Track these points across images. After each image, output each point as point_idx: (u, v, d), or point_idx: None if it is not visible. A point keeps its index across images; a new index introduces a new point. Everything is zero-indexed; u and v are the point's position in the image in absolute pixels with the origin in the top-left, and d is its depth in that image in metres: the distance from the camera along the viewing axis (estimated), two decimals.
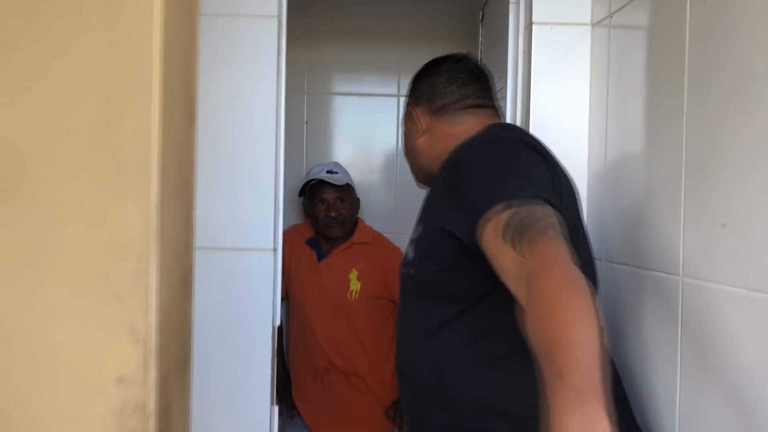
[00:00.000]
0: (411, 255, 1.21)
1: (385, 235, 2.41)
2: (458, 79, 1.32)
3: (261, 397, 1.49)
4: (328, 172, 2.34)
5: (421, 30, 2.54)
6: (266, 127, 1.48)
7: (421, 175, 1.39)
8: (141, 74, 0.76)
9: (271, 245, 1.52)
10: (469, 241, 1.00)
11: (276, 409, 1.52)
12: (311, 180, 2.31)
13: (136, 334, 0.77)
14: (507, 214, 0.91)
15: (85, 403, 0.78)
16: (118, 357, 0.77)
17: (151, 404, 0.77)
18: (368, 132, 2.64)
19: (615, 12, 1.39)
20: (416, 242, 1.21)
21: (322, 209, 2.29)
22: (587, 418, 0.69)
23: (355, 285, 2.29)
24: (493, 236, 0.92)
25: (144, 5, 0.76)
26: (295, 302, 2.32)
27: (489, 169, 1.04)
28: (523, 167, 1.04)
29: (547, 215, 0.90)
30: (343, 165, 2.42)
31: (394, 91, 2.62)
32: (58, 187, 0.78)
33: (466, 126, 1.28)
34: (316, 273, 2.30)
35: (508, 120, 1.66)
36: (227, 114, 1.45)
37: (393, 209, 2.61)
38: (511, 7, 1.61)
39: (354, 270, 2.30)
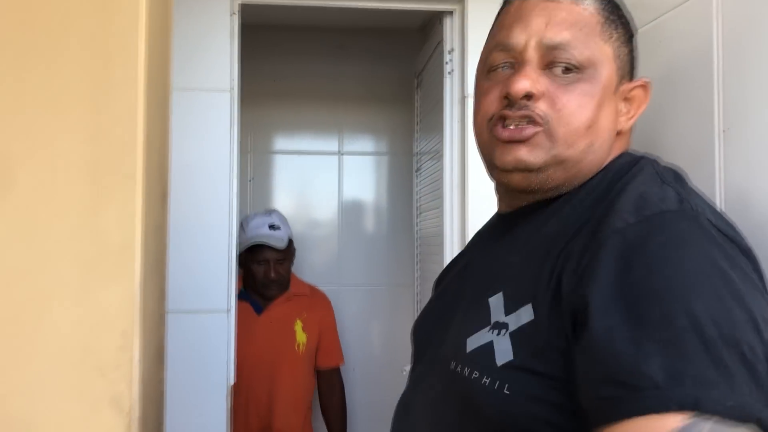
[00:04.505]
0: (505, 355, 0.69)
1: (328, 288, 2.50)
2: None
3: None
4: (270, 227, 2.30)
5: (360, 92, 2.69)
6: (220, 193, 1.56)
7: (556, 167, 0.77)
8: (125, 165, 0.83)
9: (225, 306, 1.58)
10: (582, 402, 0.62)
11: None
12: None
13: (120, 405, 0.82)
14: None
15: None
16: (102, 428, 0.82)
17: None
18: (310, 188, 2.73)
19: None
20: (520, 334, 0.69)
21: (261, 269, 2.28)
22: None
23: (301, 337, 2.30)
24: None
25: (129, 101, 0.84)
26: None
27: (689, 313, 0.59)
28: (751, 328, 0.60)
29: None
30: (287, 220, 2.47)
31: (335, 149, 2.73)
32: (42, 268, 0.83)
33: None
34: (254, 327, 2.26)
35: (446, 186, 1.78)
36: (183, 181, 1.52)
37: (336, 263, 2.69)
38: (446, 80, 1.76)
39: (298, 321, 2.30)
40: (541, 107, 0.76)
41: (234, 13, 1.58)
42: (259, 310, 2.30)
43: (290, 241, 2.36)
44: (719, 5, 0.92)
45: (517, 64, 0.78)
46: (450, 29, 1.73)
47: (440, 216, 1.80)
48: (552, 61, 0.76)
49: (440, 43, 1.79)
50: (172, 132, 1.55)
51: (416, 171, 2.35)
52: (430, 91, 2.07)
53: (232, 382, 1.56)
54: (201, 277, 1.55)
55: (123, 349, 0.82)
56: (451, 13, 1.73)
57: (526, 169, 0.77)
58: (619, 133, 0.81)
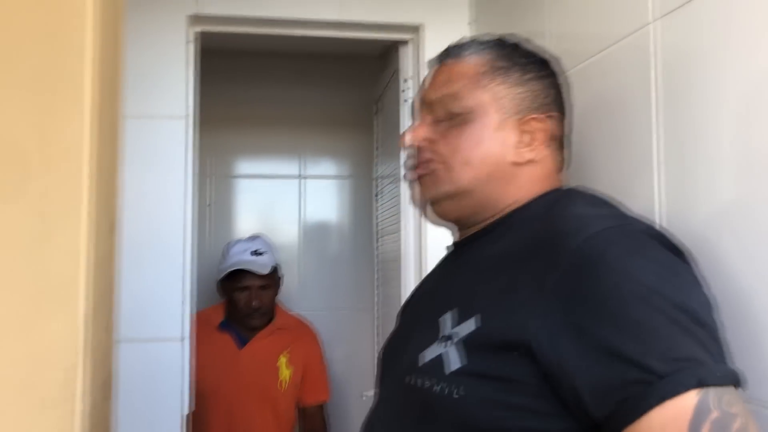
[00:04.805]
0: (454, 363, 0.75)
1: (289, 313, 2.47)
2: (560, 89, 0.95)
3: None
4: (253, 253, 2.19)
5: (321, 116, 2.70)
6: (175, 220, 1.55)
7: (449, 201, 0.90)
8: (70, 196, 0.83)
9: (179, 334, 1.56)
10: (594, 411, 0.66)
11: None
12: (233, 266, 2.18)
13: None
14: (713, 415, 0.62)
15: None
16: None
17: None
18: (271, 212, 2.73)
19: None
20: (467, 343, 0.75)
21: (243, 297, 2.16)
22: None
23: (284, 374, 2.19)
24: None
25: (74, 132, 0.83)
26: (210, 394, 2.09)
27: (663, 308, 0.67)
28: (707, 309, 0.71)
29: (744, 413, 0.63)
30: (273, 246, 2.35)
31: (296, 172, 2.73)
32: None
33: (551, 166, 0.91)
34: (236, 361, 2.15)
35: (404, 211, 1.80)
36: (138, 208, 1.51)
37: (297, 288, 2.68)
38: (402, 108, 1.79)
39: (282, 357, 2.19)
40: (424, 154, 0.91)
41: (190, 41, 1.58)
42: (241, 342, 2.19)
43: (275, 269, 2.25)
44: (656, 41, 0.96)
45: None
46: (405, 58, 1.76)
47: (399, 240, 1.82)
48: (435, 114, 0.91)
49: (397, 71, 1.82)
50: (127, 160, 1.54)
51: (376, 195, 2.36)
52: (388, 117, 2.09)
53: (186, 411, 1.53)
54: (155, 305, 1.53)
55: (67, 384, 0.81)
56: (406, 42, 1.76)
57: (425, 203, 0.93)
58: (521, 163, 0.89)
